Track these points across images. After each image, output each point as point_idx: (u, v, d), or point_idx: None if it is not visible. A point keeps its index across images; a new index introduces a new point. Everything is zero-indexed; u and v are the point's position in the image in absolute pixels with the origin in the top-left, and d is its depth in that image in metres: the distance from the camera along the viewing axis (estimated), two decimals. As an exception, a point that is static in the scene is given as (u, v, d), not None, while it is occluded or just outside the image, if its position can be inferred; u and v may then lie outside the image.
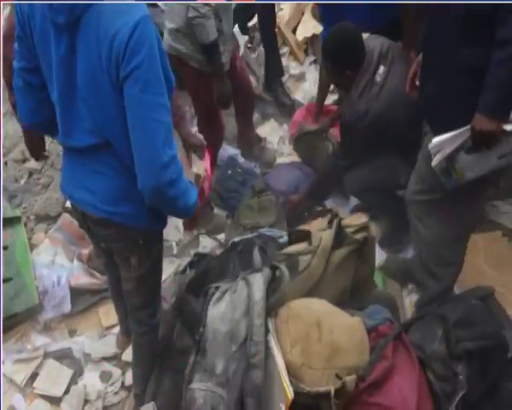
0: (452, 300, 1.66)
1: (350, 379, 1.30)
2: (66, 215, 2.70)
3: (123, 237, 1.61)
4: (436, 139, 1.60)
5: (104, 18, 1.26)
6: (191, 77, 2.50)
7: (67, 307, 2.42)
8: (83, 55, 1.31)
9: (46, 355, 2.27)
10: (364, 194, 2.47)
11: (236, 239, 2.14)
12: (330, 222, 1.58)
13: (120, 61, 1.26)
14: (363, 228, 1.59)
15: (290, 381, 1.28)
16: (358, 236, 1.57)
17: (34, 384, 2.18)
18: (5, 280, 2.35)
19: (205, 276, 2.00)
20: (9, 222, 2.62)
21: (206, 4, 2.22)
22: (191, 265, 2.23)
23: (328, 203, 2.75)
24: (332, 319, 1.43)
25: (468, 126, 1.53)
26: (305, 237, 1.64)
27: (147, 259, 1.70)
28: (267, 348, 1.35)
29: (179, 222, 2.79)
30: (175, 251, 2.71)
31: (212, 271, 2.01)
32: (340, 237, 1.55)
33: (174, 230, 2.77)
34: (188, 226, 1.70)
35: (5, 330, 2.29)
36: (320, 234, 1.56)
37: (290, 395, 1.24)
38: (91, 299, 2.47)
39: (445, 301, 1.79)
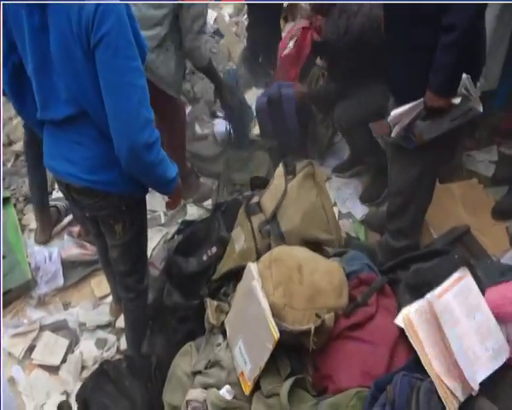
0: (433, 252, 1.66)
1: (329, 317, 1.35)
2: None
3: (106, 205, 1.65)
4: (394, 111, 1.71)
5: None
6: None
7: (60, 281, 2.47)
8: (54, 26, 1.34)
9: (42, 328, 2.33)
10: (352, 130, 2.50)
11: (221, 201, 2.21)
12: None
13: (90, 29, 1.29)
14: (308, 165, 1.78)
15: (274, 321, 1.33)
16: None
17: (32, 356, 2.25)
18: (-2, 258, 2.41)
19: (192, 237, 2.08)
20: (-1, 203, 2.65)
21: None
22: (179, 232, 2.30)
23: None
24: (312, 264, 1.48)
25: (422, 99, 1.64)
26: (266, 183, 1.81)
27: (131, 225, 1.74)
28: (252, 294, 1.41)
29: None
30: (163, 221, 2.78)
31: (198, 232, 2.08)
32: (289, 170, 1.76)
33: (161, 200, 2.83)
34: (170, 205, 1.75)
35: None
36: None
37: (276, 335, 1.29)
38: (83, 271, 2.53)
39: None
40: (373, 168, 2.65)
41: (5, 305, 2.38)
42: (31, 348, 2.28)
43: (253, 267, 1.46)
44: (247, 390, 1.37)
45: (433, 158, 1.89)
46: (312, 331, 1.31)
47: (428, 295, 1.30)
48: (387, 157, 2.07)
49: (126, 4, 1.36)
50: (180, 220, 2.54)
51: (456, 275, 1.34)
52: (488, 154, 2.57)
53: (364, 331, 1.36)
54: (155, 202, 2.80)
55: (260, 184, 1.91)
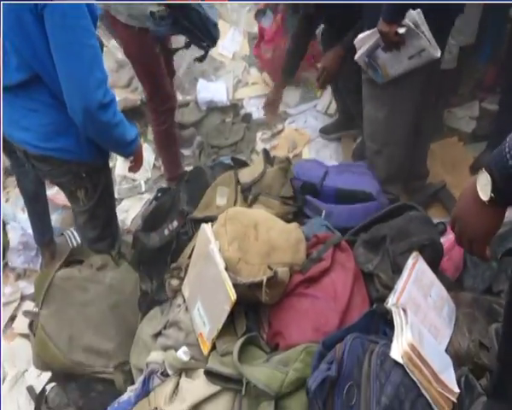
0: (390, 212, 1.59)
1: (282, 270, 1.34)
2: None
3: (65, 172, 1.64)
4: (360, 35, 1.77)
5: None
6: (122, 35, 2.24)
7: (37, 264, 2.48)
8: None
9: (23, 298, 2.36)
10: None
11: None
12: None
13: None
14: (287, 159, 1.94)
15: (228, 275, 1.33)
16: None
17: (13, 325, 2.28)
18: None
19: (157, 211, 2.07)
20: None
21: None
22: (156, 199, 2.30)
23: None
24: (269, 223, 1.48)
25: None
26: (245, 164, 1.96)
27: (94, 191, 1.73)
28: (210, 257, 1.40)
29: (146, 160, 2.84)
30: (143, 189, 2.77)
31: (163, 205, 2.07)
32: (269, 160, 1.88)
33: (142, 169, 2.83)
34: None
35: (-20, 277, 2.39)
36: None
37: (233, 297, 1.29)
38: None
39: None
40: None
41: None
42: (12, 318, 2.31)
43: (207, 229, 1.45)
44: (205, 350, 1.37)
45: (401, 98, 1.86)
46: (264, 283, 1.31)
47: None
48: (363, 98, 2.01)
49: None
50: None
51: (410, 262, 1.36)
52: (469, 110, 2.52)
53: (318, 287, 1.36)
54: (135, 170, 2.80)
55: (240, 164, 2.03)
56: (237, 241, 1.38)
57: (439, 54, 1.67)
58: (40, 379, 2.03)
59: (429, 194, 2.15)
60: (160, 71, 2.35)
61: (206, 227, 1.46)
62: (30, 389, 2.04)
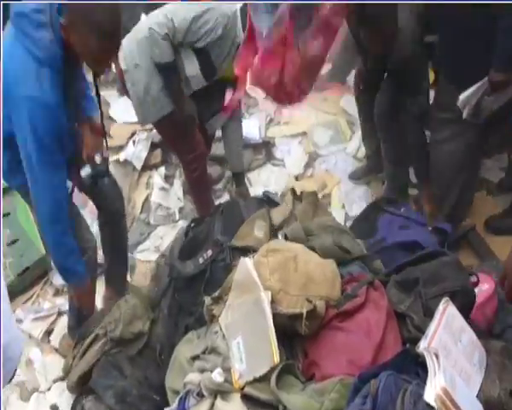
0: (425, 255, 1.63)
1: (320, 303, 1.42)
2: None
3: None
4: (462, 96, 1.92)
5: None
6: None
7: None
8: None
9: (60, 313, 2.46)
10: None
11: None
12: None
13: None
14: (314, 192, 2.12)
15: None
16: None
17: (51, 337, 2.38)
18: (13, 242, 2.55)
19: (193, 240, 2.17)
20: (7, 191, 2.63)
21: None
22: (190, 228, 2.40)
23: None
24: (307, 256, 1.56)
25: (486, 79, 1.87)
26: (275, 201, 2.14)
27: None
28: (259, 305, 1.42)
29: (179, 191, 2.97)
30: (177, 217, 2.89)
31: (200, 234, 2.16)
32: (297, 197, 2.06)
33: (176, 199, 2.97)
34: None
35: (21, 292, 2.52)
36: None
37: (276, 359, 1.31)
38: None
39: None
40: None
41: (24, 290, 2.54)
42: (49, 332, 2.41)
43: (248, 262, 1.51)
44: (236, 386, 1.40)
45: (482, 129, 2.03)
46: (304, 315, 1.38)
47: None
48: (431, 140, 2.15)
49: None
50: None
51: (440, 307, 1.38)
52: (498, 161, 2.59)
53: (353, 322, 1.42)
54: (170, 199, 2.94)
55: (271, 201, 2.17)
56: (278, 272, 1.46)
57: None
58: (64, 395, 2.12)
59: (458, 235, 2.19)
60: (183, 121, 2.29)
61: (247, 261, 1.53)
62: (53, 408, 2.15)
